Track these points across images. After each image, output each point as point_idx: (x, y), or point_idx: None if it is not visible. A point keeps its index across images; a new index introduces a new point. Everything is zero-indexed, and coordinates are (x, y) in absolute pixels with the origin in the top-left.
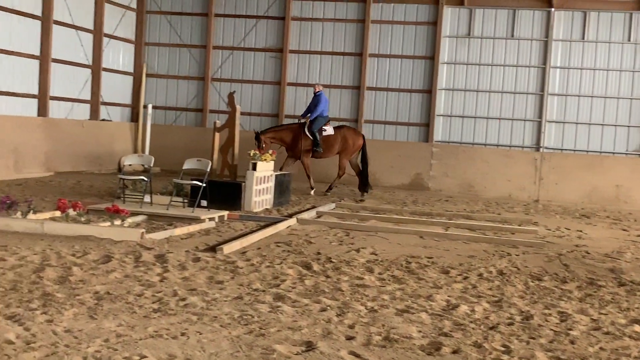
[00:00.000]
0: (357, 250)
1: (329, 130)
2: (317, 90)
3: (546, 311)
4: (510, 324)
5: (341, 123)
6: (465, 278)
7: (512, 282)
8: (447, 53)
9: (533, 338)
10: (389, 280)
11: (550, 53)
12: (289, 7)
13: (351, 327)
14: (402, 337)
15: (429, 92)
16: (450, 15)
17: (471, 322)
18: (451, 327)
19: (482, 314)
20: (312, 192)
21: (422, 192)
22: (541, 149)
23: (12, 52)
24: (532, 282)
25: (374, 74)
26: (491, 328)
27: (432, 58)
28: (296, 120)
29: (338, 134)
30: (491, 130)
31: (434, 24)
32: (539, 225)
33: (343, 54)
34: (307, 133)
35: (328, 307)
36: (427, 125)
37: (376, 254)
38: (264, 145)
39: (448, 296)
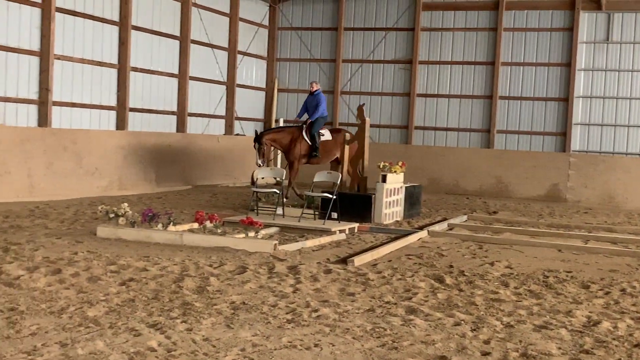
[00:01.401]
0: (491, 264)
1: (326, 135)
2: (315, 89)
3: None
4: None
5: (470, 133)
6: (607, 293)
7: None
8: (584, 59)
9: None
10: (526, 295)
11: None
12: (418, 18)
13: (486, 342)
14: (540, 354)
15: (565, 100)
16: (587, 20)
17: (614, 339)
18: (592, 344)
19: (626, 331)
20: (284, 200)
21: (559, 203)
22: None
23: (153, 71)
24: None
25: (507, 83)
26: (635, 346)
27: (568, 65)
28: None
29: (336, 138)
30: (633, 139)
31: (570, 29)
32: None
33: (474, 63)
34: (306, 137)
35: (462, 322)
36: (563, 135)
37: (511, 268)
38: (265, 148)
39: (589, 312)
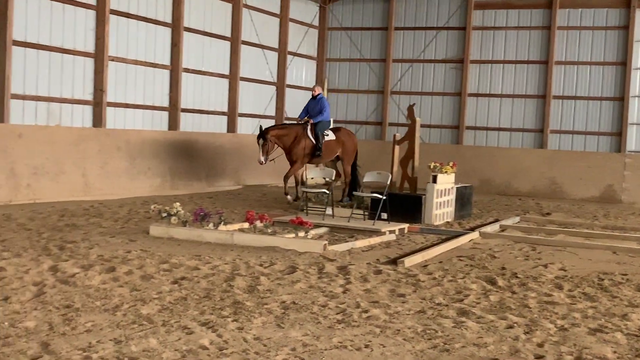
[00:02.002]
0: (545, 266)
1: (330, 135)
2: (317, 92)
3: None
4: None
5: (522, 133)
6: None
7: None
8: None
9: None
10: (580, 298)
11: None
12: (470, 17)
13: (540, 345)
14: (595, 358)
15: (621, 99)
16: None
17: None
18: None
19: None
20: (289, 197)
21: (614, 205)
22: None
23: (205, 72)
24: None
25: (561, 82)
26: None
27: (623, 64)
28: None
29: (339, 137)
30: None
31: (625, 28)
32: None
33: (527, 62)
34: (311, 136)
35: (515, 324)
36: (619, 135)
37: (565, 270)
38: (269, 144)
39: None
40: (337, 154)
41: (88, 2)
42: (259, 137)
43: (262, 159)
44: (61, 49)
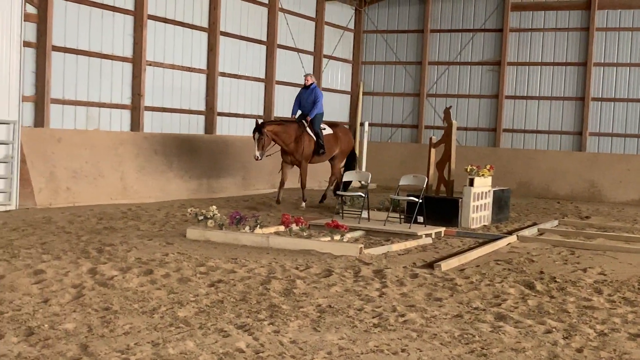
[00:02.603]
0: (584, 270)
1: (327, 129)
2: (311, 82)
3: None
4: None
5: (560, 136)
6: None
7: None
8: None
9: None
10: (620, 302)
11: None
12: (507, 19)
13: (579, 350)
14: None
15: None
16: None
17: None
18: None
19: None
20: (303, 205)
21: None
22: None
23: (241, 76)
24: None
25: (600, 84)
26: None
27: None
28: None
29: (336, 132)
30: None
31: None
32: None
33: (565, 64)
34: (311, 133)
35: (553, 329)
36: None
37: (605, 274)
38: (265, 139)
39: None
40: (336, 152)
41: (126, 8)
42: (254, 131)
43: (258, 154)
44: (100, 54)
